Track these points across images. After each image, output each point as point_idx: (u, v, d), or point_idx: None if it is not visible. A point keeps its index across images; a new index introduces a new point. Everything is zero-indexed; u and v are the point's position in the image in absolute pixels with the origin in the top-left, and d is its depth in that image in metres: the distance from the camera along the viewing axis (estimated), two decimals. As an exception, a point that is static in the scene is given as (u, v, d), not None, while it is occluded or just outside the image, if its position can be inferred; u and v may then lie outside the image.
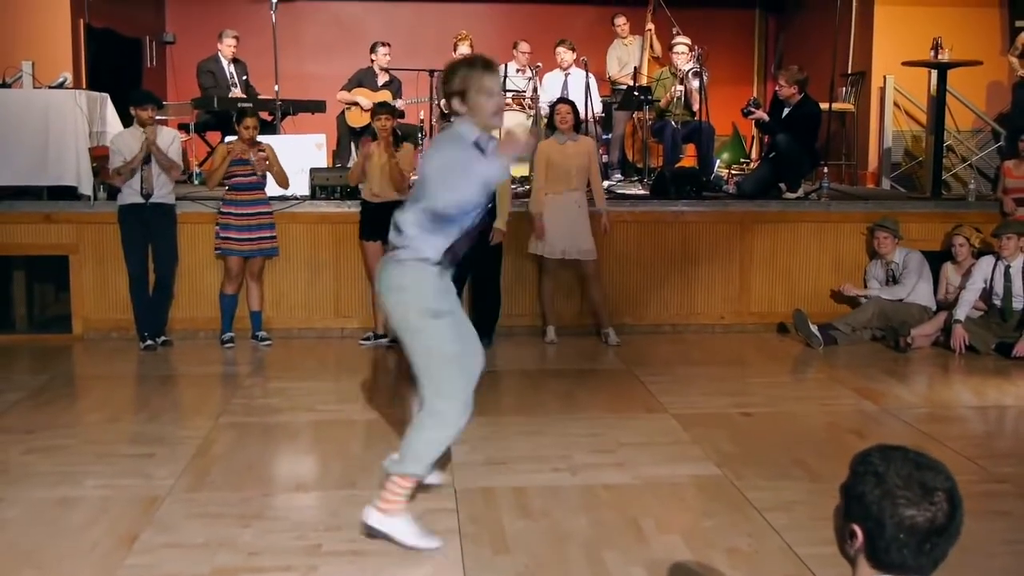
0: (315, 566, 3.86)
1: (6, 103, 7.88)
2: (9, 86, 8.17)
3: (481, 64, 3.92)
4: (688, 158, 10.28)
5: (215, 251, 7.75)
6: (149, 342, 7.62)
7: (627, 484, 4.78)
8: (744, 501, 4.55)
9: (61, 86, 8.21)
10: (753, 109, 8.98)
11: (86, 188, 7.93)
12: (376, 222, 7.63)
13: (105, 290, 7.96)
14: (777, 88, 8.91)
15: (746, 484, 4.75)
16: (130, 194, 7.48)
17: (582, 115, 8.79)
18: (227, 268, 7.69)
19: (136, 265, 7.59)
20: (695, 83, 9.78)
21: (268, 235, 7.74)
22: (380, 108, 7.64)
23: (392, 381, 6.85)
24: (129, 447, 5.34)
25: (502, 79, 4.00)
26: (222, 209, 7.63)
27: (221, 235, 7.62)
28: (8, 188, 7.99)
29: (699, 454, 5.23)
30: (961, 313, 7.66)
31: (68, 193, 7.97)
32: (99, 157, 8.02)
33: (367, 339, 7.85)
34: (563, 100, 8.05)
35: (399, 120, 10.20)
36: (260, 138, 7.90)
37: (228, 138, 8.55)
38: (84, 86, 9.59)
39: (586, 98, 9.91)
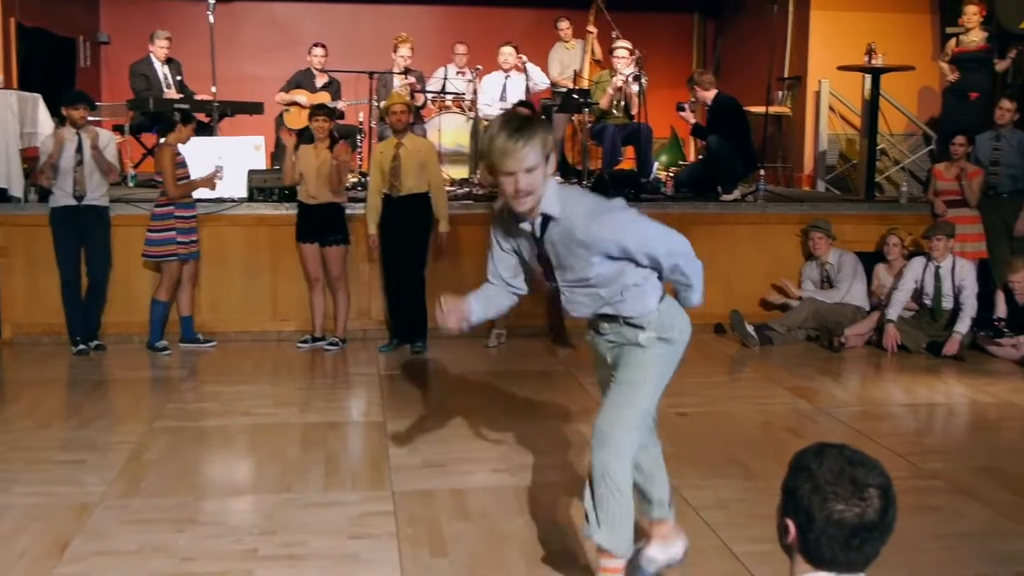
0: (251, 571, 3.82)
1: (-66, 103, 7.72)
2: (-63, 86, 8.01)
3: (504, 131, 3.12)
4: (627, 160, 10.33)
5: (147, 258, 7.59)
6: (82, 346, 7.49)
7: (565, 484, 4.79)
8: (681, 500, 4.56)
9: (-9, 86, 8.07)
10: (685, 107, 9.10)
11: (17, 190, 7.80)
12: (313, 224, 7.60)
13: (36, 293, 7.80)
14: (695, 98, 9.10)
15: (683, 483, 4.77)
16: (62, 196, 7.35)
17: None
18: (171, 274, 7.54)
19: (68, 268, 7.45)
20: (635, 87, 9.84)
21: (197, 237, 7.68)
22: (317, 110, 7.63)
23: (329, 384, 6.81)
24: (60, 453, 5.24)
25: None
26: (174, 213, 7.48)
27: (162, 240, 7.46)
28: (-63, 189, 7.82)
29: (637, 454, 5.24)
30: (893, 313, 7.79)
31: (-2, 195, 7.82)
32: (30, 159, 7.87)
33: (304, 342, 7.79)
34: (523, 103, 8.03)
35: (338, 121, 10.17)
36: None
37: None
38: (15, 86, 9.41)
39: (527, 98, 9.92)
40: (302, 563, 3.90)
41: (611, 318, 3.49)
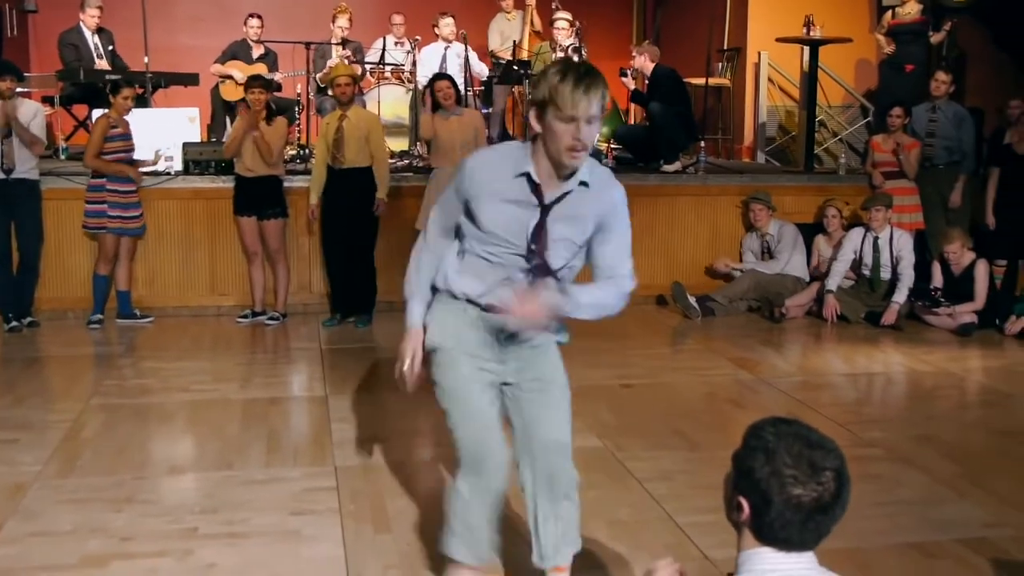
0: (191, 550, 3.76)
1: None
2: None
3: (580, 78, 2.78)
4: (568, 132, 10.29)
5: (85, 229, 7.48)
6: (14, 323, 7.31)
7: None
8: (625, 472, 4.59)
9: (-87, 56, 7.80)
10: (628, 72, 9.13)
11: (-59, 163, 7.56)
12: (250, 197, 7.49)
13: (-35, 270, 7.60)
14: (636, 68, 9.13)
15: (626, 455, 4.79)
16: (-10, 169, 7.16)
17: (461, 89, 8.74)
18: (104, 248, 7.43)
19: (-1, 243, 7.28)
20: (575, 58, 9.80)
21: (139, 213, 7.51)
22: (252, 81, 7.51)
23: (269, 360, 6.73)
24: (-8, 433, 5.12)
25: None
26: (106, 186, 7.33)
27: (95, 212, 7.36)
28: None
29: (580, 426, 5.18)
30: (832, 284, 7.88)
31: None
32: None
33: (244, 317, 7.68)
34: (441, 75, 7.98)
35: (275, 93, 10.01)
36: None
37: (96, 111, 8.25)
38: (-61, 56, 9.13)
39: (465, 72, 9.85)
40: (244, 541, 3.85)
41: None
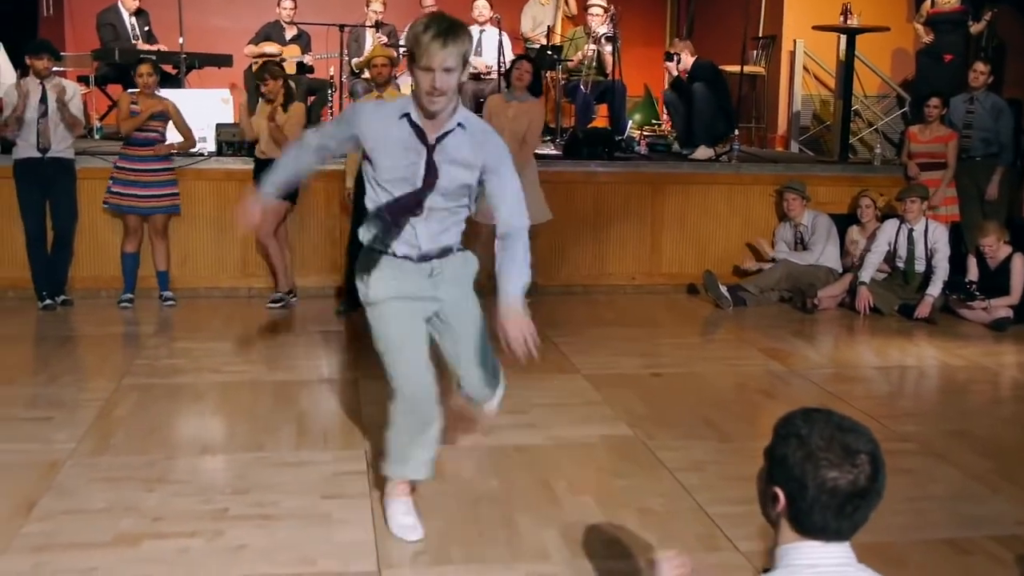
0: (221, 531, 3.77)
1: None
2: None
3: (438, 34, 3.14)
4: (600, 118, 10.26)
5: (103, 205, 7.52)
6: (48, 301, 7.37)
7: (539, 445, 4.77)
8: (656, 461, 4.57)
9: (-49, 34, 7.86)
10: (674, 57, 9.12)
11: (-22, 142, 7.62)
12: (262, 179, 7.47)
13: (0, 247, 7.66)
14: (676, 63, 9.13)
15: (657, 444, 4.77)
16: (25, 148, 7.20)
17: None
18: (125, 225, 7.49)
19: (33, 222, 7.32)
20: (608, 47, 9.76)
21: (168, 192, 7.52)
22: (261, 71, 7.52)
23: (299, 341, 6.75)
24: (26, 411, 5.15)
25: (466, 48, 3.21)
26: (117, 164, 7.41)
27: (112, 189, 7.41)
28: None
29: (611, 415, 5.24)
30: (866, 275, 7.81)
31: (-41, 147, 7.65)
32: (-7, 109, 7.69)
33: (275, 302, 7.68)
34: (524, 57, 7.88)
35: (308, 76, 10.03)
36: (162, 92, 7.69)
37: (131, 91, 8.27)
38: (-24, 35, 9.18)
39: (499, 56, 9.80)
40: (274, 523, 3.86)
41: (446, 251, 3.56)
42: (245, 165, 7.89)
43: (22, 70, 7.66)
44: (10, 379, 5.70)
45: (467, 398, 3.98)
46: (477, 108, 8.51)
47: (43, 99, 7.17)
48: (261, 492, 4.13)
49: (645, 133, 10.45)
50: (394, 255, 3.50)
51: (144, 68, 7.41)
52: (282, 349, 6.49)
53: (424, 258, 3.50)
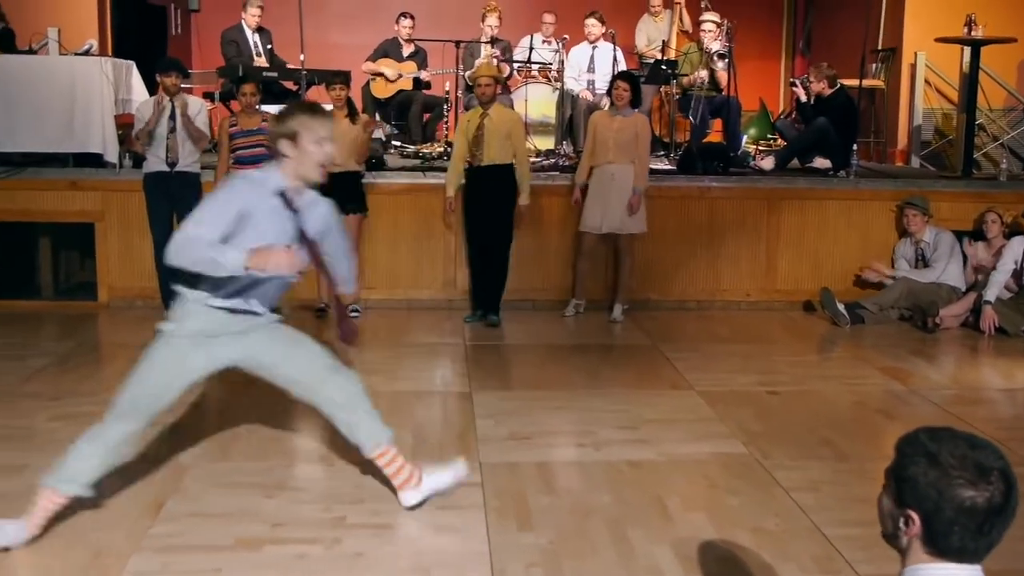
0: (339, 538, 3.85)
1: (33, 70, 7.89)
2: (35, 52, 8.16)
3: (321, 113, 3.86)
4: (715, 133, 10.18)
5: None
6: (173, 311, 7.60)
7: (652, 461, 4.75)
8: (770, 480, 4.51)
9: (87, 53, 8.20)
10: (797, 82, 9.00)
11: (112, 156, 7.94)
12: (333, 191, 7.56)
13: (130, 258, 7.96)
14: (806, 84, 8.98)
15: (772, 463, 4.72)
16: (155, 162, 7.46)
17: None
18: None
19: (161, 233, 7.55)
20: (720, 64, 9.68)
21: None
22: (334, 77, 7.60)
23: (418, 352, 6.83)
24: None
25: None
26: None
27: None
28: (35, 155, 7.99)
29: (725, 432, 5.20)
30: (991, 294, 7.58)
31: (94, 160, 7.98)
32: (124, 125, 8.00)
33: (322, 310, 7.77)
34: (622, 76, 7.92)
35: (424, 91, 10.19)
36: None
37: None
38: (110, 53, 9.56)
39: (613, 71, 9.81)
40: (390, 532, 3.93)
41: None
42: (370, 180, 7.98)
43: (152, 87, 7.94)
44: (139, 385, 5.90)
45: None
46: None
47: (172, 115, 7.42)
48: (377, 501, 4.20)
49: (760, 148, 10.33)
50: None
51: (248, 87, 7.51)
52: (398, 360, 6.58)
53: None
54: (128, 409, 3.82)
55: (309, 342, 4.10)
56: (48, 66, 7.97)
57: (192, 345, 3.81)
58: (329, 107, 7.55)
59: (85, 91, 7.85)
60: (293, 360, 4.00)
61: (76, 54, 8.16)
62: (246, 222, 3.64)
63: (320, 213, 3.94)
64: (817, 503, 4.26)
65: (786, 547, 3.84)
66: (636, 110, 7.81)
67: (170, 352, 3.81)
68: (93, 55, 8.25)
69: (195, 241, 3.52)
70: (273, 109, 8.00)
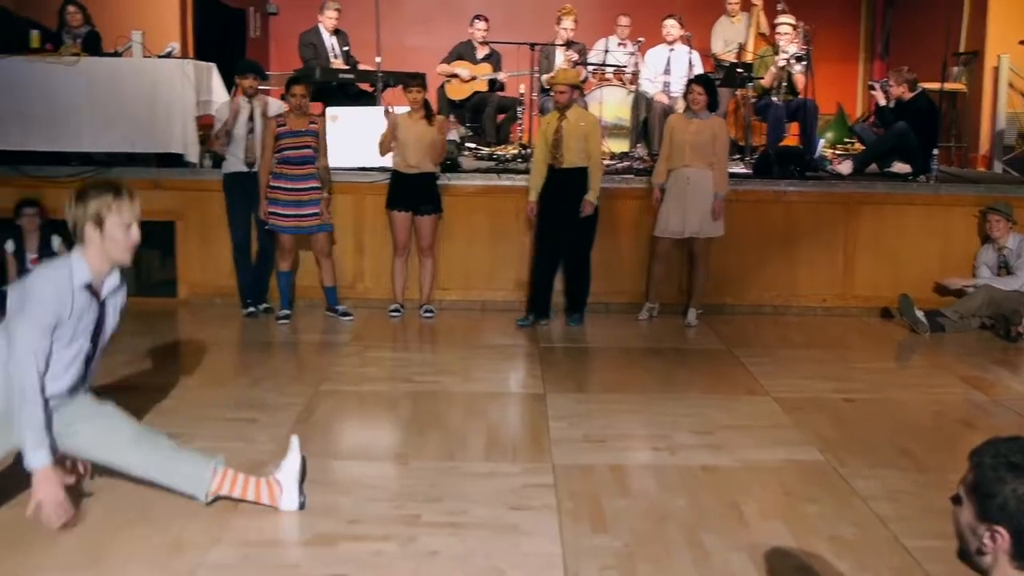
0: (414, 536, 3.87)
1: (118, 72, 8.06)
2: (120, 55, 8.33)
3: (126, 192, 3.77)
4: (791, 137, 10.07)
5: (264, 226, 7.53)
6: (251, 308, 7.73)
7: (727, 466, 4.71)
8: (847, 489, 4.45)
9: (169, 55, 8.35)
10: (876, 86, 8.87)
11: (192, 156, 8.08)
12: (408, 192, 7.63)
13: (209, 256, 8.10)
14: (886, 87, 8.84)
15: (849, 471, 4.65)
16: (234, 163, 7.57)
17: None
18: (279, 244, 7.53)
19: (240, 233, 7.69)
20: (798, 67, 9.56)
21: (317, 211, 7.43)
22: (411, 80, 7.63)
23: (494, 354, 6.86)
24: (233, 411, 5.42)
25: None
26: (272, 183, 7.36)
27: (270, 210, 7.36)
28: (119, 155, 8.16)
29: (800, 439, 5.14)
30: (1077, 303, 7.39)
31: (175, 160, 8.12)
32: (205, 126, 8.15)
33: (396, 311, 7.84)
34: (697, 79, 7.88)
35: (499, 93, 10.22)
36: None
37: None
38: (191, 55, 9.74)
39: (689, 74, 9.75)
40: (464, 531, 3.94)
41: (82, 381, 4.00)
42: (447, 181, 8.01)
43: (232, 89, 8.06)
44: (219, 381, 6.03)
45: None
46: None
47: (250, 116, 7.53)
48: (452, 500, 4.22)
49: (838, 152, 10.20)
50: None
51: (298, 88, 7.43)
52: (471, 361, 6.60)
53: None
54: None
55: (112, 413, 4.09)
56: (132, 68, 8.14)
57: None
58: (405, 109, 7.65)
59: (167, 92, 8.01)
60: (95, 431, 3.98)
61: (159, 56, 8.31)
62: (58, 329, 3.70)
63: (118, 304, 4.00)
64: (896, 513, 4.19)
65: (864, 557, 3.78)
66: (713, 114, 7.76)
67: None
68: (175, 57, 8.41)
69: (28, 381, 3.65)
70: (350, 111, 8.15)
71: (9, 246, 7.74)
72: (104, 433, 3.94)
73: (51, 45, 8.23)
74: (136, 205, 3.77)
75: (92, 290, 3.78)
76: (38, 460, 3.66)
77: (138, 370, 6.19)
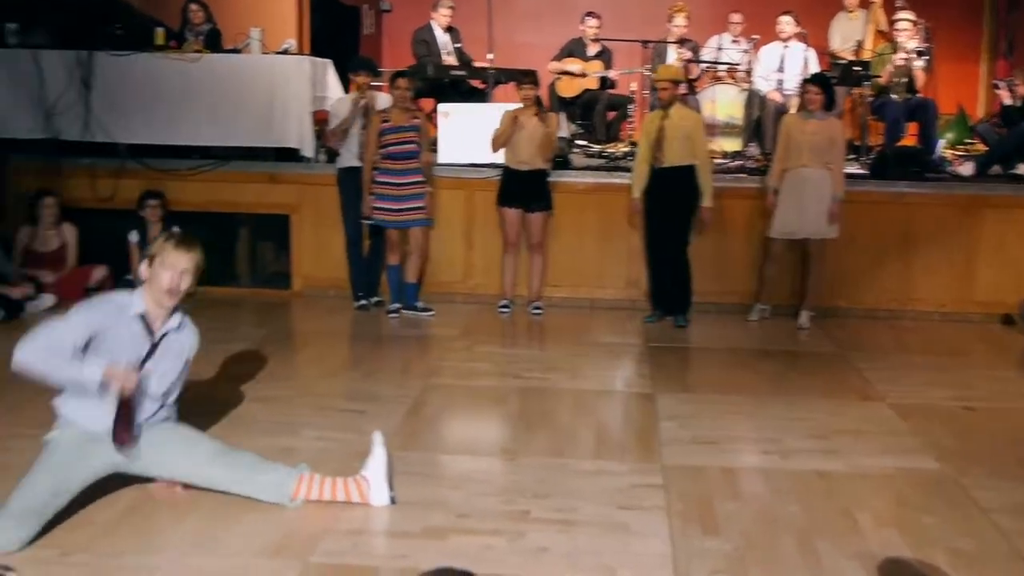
0: (523, 532, 3.88)
1: (238, 68, 8.27)
2: (239, 51, 8.53)
3: (184, 244, 4.05)
4: (909, 137, 9.81)
5: (364, 220, 7.61)
6: (363, 301, 7.85)
7: (841, 472, 4.62)
8: (967, 500, 4.32)
9: (286, 52, 8.51)
10: (1001, 85, 8.62)
11: (308, 150, 8.23)
12: (520, 188, 7.63)
13: (323, 249, 8.24)
14: (1012, 86, 8.60)
15: (969, 482, 4.51)
16: (348, 157, 7.69)
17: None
18: (387, 239, 7.59)
19: (352, 227, 7.80)
20: (919, 62, 9.31)
21: (419, 205, 7.50)
22: (524, 77, 7.65)
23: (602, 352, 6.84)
24: (344, 402, 5.52)
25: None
26: (376, 179, 7.42)
27: (375, 205, 7.43)
28: (237, 149, 8.36)
29: (917, 447, 5.01)
30: None
31: (291, 155, 8.28)
32: (321, 121, 8.29)
33: (505, 307, 7.88)
34: (814, 79, 7.74)
35: (610, 91, 10.18)
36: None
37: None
38: (307, 52, 9.90)
39: (802, 73, 9.57)
40: (573, 529, 3.93)
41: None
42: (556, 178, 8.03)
43: (347, 84, 8.19)
44: (332, 372, 6.15)
45: None
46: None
47: (364, 113, 7.63)
48: (561, 498, 4.22)
49: (958, 153, 9.90)
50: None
51: (402, 81, 7.49)
52: (580, 359, 6.59)
53: None
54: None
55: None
56: (251, 64, 8.33)
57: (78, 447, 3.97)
58: (516, 105, 7.67)
59: (284, 88, 8.18)
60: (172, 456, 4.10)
61: (276, 53, 8.48)
62: (98, 342, 3.91)
63: (177, 350, 4.16)
64: (1019, 527, 4.05)
65: (984, 571, 3.67)
66: (830, 113, 7.61)
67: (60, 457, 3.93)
68: (292, 54, 8.57)
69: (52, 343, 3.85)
70: (462, 108, 8.19)
71: (133, 236, 7.97)
72: (186, 452, 4.09)
73: (175, 42, 8.48)
74: (190, 256, 4.04)
75: (146, 323, 4.04)
76: (93, 372, 3.83)
77: (254, 359, 6.33)
